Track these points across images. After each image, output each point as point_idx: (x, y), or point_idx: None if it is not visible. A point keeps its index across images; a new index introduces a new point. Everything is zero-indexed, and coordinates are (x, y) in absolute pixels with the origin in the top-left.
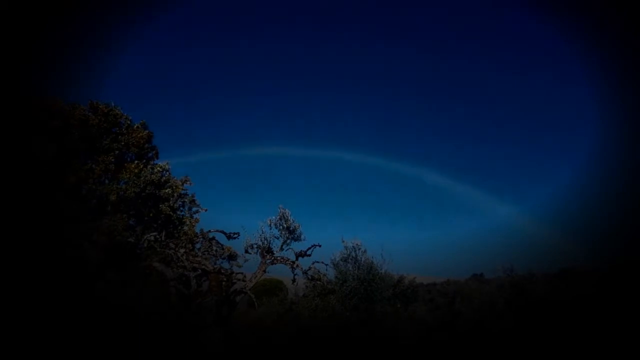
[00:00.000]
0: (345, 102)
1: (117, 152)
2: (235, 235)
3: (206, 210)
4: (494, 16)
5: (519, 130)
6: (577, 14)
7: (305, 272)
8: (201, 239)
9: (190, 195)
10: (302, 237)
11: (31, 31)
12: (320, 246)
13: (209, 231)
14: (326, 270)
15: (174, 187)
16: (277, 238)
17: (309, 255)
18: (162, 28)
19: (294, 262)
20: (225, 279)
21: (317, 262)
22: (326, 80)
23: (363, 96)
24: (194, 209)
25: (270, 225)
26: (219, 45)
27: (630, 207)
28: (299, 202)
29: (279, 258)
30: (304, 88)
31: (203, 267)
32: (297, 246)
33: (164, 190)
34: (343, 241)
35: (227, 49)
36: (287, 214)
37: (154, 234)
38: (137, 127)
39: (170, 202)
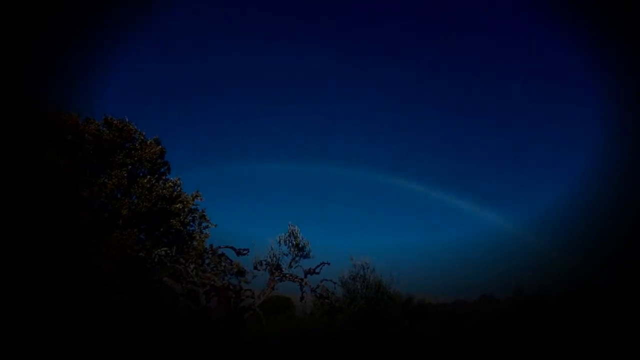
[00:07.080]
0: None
1: (130, 167)
2: (245, 252)
3: (215, 225)
4: (487, 19)
5: (517, 140)
6: (577, 19)
7: (313, 290)
8: (210, 255)
9: (200, 211)
10: (311, 254)
11: (39, 35)
12: (329, 264)
13: (219, 247)
14: (334, 288)
15: (185, 202)
16: (286, 255)
17: (318, 273)
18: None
19: (302, 280)
20: (234, 295)
21: (326, 279)
22: (338, 92)
23: (360, 107)
24: (204, 224)
25: (279, 242)
26: (230, 55)
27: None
28: (306, 215)
29: (287, 275)
30: (310, 101)
31: (212, 282)
32: (306, 263)
33: (175, 206)
34: (351, 259)
35: (238, 59)
36: (296, 230)
37: (165, 249)
38: (150, 142)
39: (181, 217)
